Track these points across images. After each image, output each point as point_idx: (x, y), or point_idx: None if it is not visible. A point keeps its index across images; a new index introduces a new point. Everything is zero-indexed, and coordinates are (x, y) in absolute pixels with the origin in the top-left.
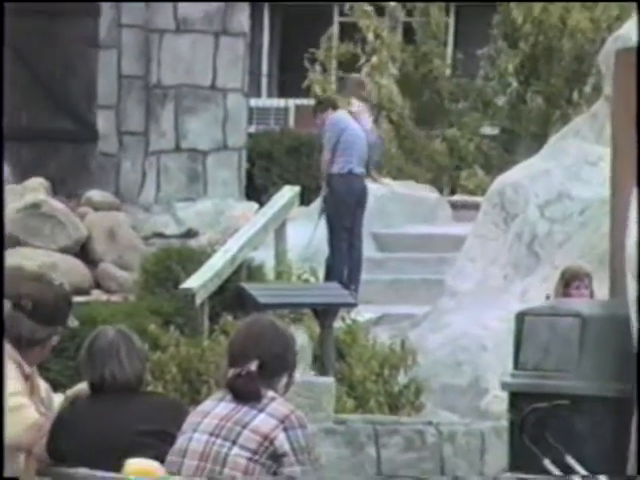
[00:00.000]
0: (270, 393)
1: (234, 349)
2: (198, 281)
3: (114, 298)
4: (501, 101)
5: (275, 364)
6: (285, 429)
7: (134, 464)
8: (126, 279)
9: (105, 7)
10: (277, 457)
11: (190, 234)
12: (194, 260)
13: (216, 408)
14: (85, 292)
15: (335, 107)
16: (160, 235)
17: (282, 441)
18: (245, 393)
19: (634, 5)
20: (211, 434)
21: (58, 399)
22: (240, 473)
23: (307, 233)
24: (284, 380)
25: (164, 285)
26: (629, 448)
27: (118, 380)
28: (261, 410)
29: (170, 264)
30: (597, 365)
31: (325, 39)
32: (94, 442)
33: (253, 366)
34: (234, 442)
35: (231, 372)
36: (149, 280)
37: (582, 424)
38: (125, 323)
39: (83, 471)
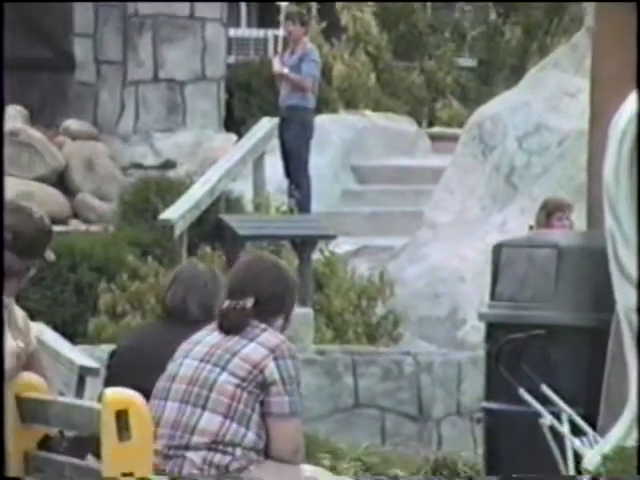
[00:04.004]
0: (262, 325)
1: (233, 283)
2: (177, 212)
3: (92, 228)
4: (477, 33)
5: (271, 304)
6: (275, 358)
7: (112, 393)
8: (104, 210)
9: None
10: (265, 386)
11: (168, 165)
12: (172, 191)
13: (207, 337)
14: (63, 222)
15: (303, 25)
16: (138, 166)
17: (272, 370)
18: (233, 327)
19: None
20: (201, 360)
21: (36, 328)
22: (227, 399)
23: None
24: (279, 321)
25: (143, 216)
26: (603, 378)
27: (201, 308)
28: (252, 339)
29: (148, 195)
30: (573, 296)
31: None
32: (149, 367)
33: (249, 303)
34: (223, 368)
35: (226, 304)
36: (127, 211)
37: (557, 354)
38: (103, 253)
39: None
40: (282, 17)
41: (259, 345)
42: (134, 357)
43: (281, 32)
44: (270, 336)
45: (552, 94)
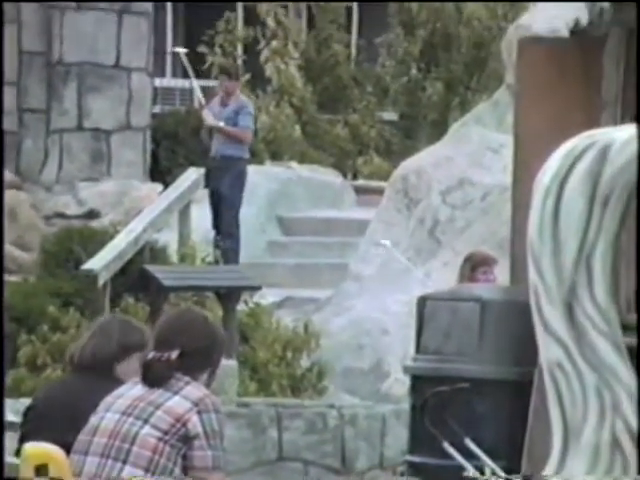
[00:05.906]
0: (186, 378)
1: (159, 334)
2: (100, 262)
3: (13, 279)
4: (399, 87)
5: (197, 358)
6: (199, 412)
7: (31, 447)
8: (25, 260)
9: None
10: (188, 439)
11: (92, 215)
12: (96, 241)
13: (131, 390)
14: None
15: (238, 79)
16: (61, 215)
17: (195, 423)
18: (157, 379)
19: None
20: (123, 413)
21: None
22: (148, 452)
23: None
24: (205, 376)
25: (65, 266)
26: (526, 431)
27: (97, 357)
28: (176, 392)
29: (71, 245)
30: (496, 349)
31: (222, 22)
32: (66, 419)
33: (174, 355)
34: (146, 421)
35: (151, 355)
36: (49, 261)
37: (481, 407)
38: (24, 304)
39: None
40: (203, 69)
41: (183, 398)
42: (49, 411)
43: (204, 83)
44: (194, 389)
45: (475, 149)
